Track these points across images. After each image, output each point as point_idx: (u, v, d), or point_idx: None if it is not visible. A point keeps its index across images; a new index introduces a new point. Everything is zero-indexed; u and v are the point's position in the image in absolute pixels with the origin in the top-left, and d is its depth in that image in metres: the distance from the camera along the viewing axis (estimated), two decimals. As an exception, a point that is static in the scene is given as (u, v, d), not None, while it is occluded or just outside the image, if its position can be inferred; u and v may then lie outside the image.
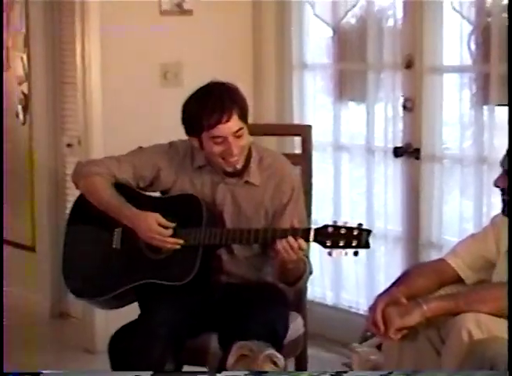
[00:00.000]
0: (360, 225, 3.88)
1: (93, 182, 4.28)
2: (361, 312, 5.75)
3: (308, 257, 4.14)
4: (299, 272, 4.08)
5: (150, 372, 3.35)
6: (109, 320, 4.81)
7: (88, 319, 5.94)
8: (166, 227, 4.10)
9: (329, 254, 3.93)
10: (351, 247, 3.83)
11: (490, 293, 3.87)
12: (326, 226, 3.91)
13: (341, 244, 3.82)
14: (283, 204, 4.23)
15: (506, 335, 3.67)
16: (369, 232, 3.88)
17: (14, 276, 7.08)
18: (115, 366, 4.01)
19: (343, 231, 3.85)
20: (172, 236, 4.11)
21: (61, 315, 6.73)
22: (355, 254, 3.87)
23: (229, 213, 4.27)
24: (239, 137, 4.08)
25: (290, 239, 3.85)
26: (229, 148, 4.06)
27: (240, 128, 4.08)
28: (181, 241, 4.07)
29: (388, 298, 3.94)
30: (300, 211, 4.31)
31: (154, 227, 4.05)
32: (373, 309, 3.98)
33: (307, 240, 3.92)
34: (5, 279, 6.38)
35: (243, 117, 4.12)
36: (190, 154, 4.32)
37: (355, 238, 3.83)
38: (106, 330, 4.45)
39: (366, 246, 3.87)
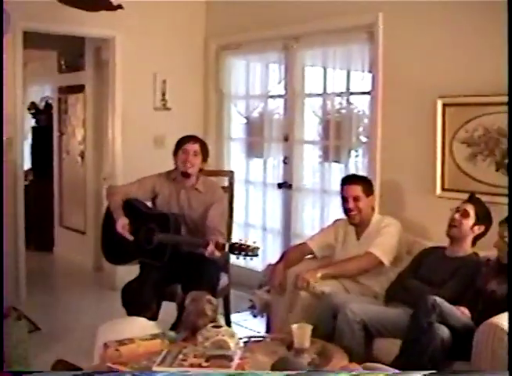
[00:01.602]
0: (254, 242, 4.10)
1: (113, 199, 4.66)
2: (259, 270, 5.70)
3: (226, 252, 4.24)
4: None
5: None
6: (124, 273, 5.06)
7: (113, 272, 6.22)
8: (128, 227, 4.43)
9: (237, 258, 4.16)
10: (248, 256, 4.09)
11: (346, 263, 4.25)
12: (234, 243, 4.13)
13: (242, 254, 4.08)
14: (212, 203, 4.53)
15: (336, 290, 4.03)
16: (258, 248, 4.09)
17: (73, 248, 7.65)
18: (124, 302, 4.07)
19: (244, 247, 4.07)
20: (151, 237, 4.41)
21: (99, 269, 7.02)
22: (251, 259, 4.12)
23: (185, 206, 4.56)
24: (195, 156, 4.55)
25: (211, 247, 4.15)
26: (187, 157, 4.53)
27: (197, 151, 4.56)
28: (131, 237, 4.43)
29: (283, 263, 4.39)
30: (222, 212, 4.60)
31: (121, 227, 4.49)
32: (272, 268, 4.47)
33: (223, 250, 4.15)
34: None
35: (202, 150, 4.61)
36: (168, 175, 4.65)
37: (250, 251, 4.07)
38: (123, 278, 4.72)
39: (256, 255, 4.09)
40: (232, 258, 4.91)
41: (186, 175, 4.55)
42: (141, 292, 4.14)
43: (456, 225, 3.93)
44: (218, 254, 4.13)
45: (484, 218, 3.93)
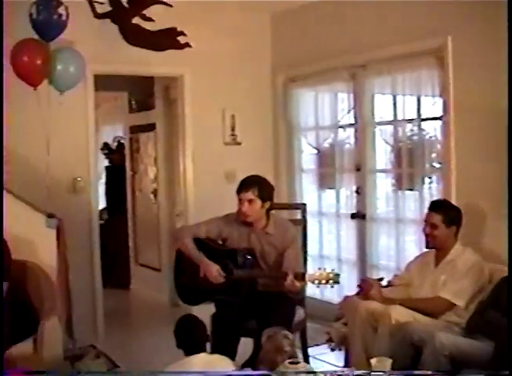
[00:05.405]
0: (333, 270, 4.09)
1: (182, 243, 4.58)
2: (335, 303, 5.61)
3: (302, 285, 4.22)
4: (296, 292, 4.29)
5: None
6: (201, 308, 4.74)
7: (190, 307, 5.50)
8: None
9: (317, 286, 4.17)
10: (328, 283, 4.08)
11: (417, 303, 4.23)
12: (314, 272, 4.12)
13: (323, 282, 4.07)
14: (287, 247, 4.42)
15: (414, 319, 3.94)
16: (338, 274, 4.07)
17: (149, 285, 7.68)
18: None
19: (324, 274, 4.07)
20: (229, 273, 4.33)
21: (175, 304, 6.80)
22: (332, 286, 4.12)
23: (258, 250, 4.46)
24: (250, 204, 4.39)
25: (290, 278, 4.09)
26: (242, 208, 4.39)
27: (252, 199, 4.37)
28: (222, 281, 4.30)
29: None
30: (297, 253, 4.49)
31: (215, 274, 4.36)
32: (366, 282, 4.48)
33: (303, 280, 4.10)
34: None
35: (260, 194, 4.38)
36: (236, 217, 4.52)
37: (331, 279, 4.06)
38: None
39: (337, 282, 4.08)
40: (308, 291, 4.97)
41: (249, 223, 4.43)
42: (218, 330, 4.24)
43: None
44: (298, 284, 4.08)
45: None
